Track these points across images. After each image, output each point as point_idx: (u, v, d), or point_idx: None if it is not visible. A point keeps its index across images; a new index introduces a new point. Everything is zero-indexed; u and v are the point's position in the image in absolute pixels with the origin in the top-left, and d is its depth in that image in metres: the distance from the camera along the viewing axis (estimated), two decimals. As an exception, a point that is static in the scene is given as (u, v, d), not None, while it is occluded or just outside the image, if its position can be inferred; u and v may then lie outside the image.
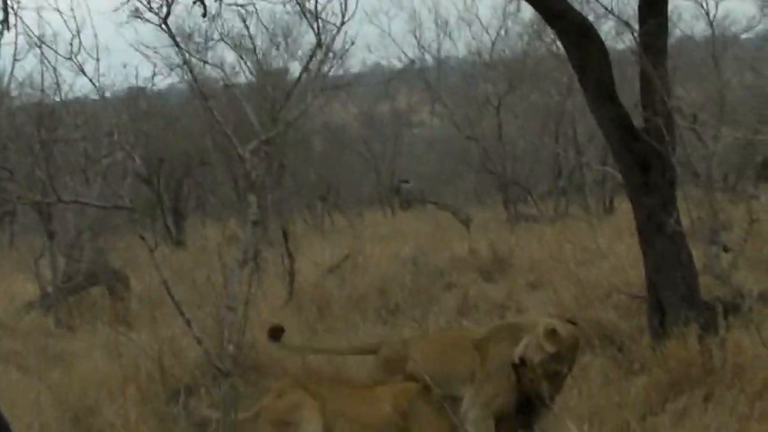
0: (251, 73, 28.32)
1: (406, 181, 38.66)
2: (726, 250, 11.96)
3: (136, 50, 29.51)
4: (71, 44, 8.80)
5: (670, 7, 10.82)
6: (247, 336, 10.02)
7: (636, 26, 10.77)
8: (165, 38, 9.48)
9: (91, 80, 9.36)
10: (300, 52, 27.77)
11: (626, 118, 10.55)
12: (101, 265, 17.15)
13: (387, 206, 38.37)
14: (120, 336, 10.67)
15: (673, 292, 10.30)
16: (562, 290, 13.38)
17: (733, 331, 10.30)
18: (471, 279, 16.31)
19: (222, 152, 26.10)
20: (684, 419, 8.06)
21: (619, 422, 8.39)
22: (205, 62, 22.62)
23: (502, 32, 31.65)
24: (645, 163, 10.40)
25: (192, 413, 8.52)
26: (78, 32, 8.77)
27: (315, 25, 8.50)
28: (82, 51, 8.87)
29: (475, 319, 13.06)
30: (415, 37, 33.71)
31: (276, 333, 8.76)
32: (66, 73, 27.89)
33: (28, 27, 10.68)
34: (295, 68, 26.22)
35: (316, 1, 8.49)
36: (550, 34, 24.60)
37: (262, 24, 26.83)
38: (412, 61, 34.02)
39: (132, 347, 10.45)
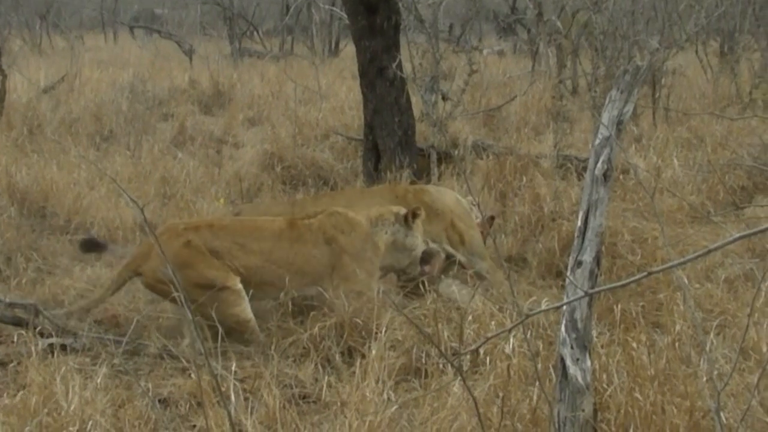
0: None
1: (134, 7, 37.80)
2: (444, 99, 12.15)
3: None
4: None
5: None
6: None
7: None
8: None
9: None
10: None
11: (355, -42, 10.47)
12: None
13: (109, 31, 37.42)
14: None
15: (389, 136, 10.42)
16: (281, 128, 13.41)
17: (444, 178, 10.54)
18: (189, 110, 16.12)
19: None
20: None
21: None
22: None
23: None
24: (371, 6, 10.38)
25: None
26: None
27: None
28: None
29: (191, 151, 12.93)
30: None
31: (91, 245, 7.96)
32: None
33: None
34: None
35: None
36: None
37: None
38: None
39: None
